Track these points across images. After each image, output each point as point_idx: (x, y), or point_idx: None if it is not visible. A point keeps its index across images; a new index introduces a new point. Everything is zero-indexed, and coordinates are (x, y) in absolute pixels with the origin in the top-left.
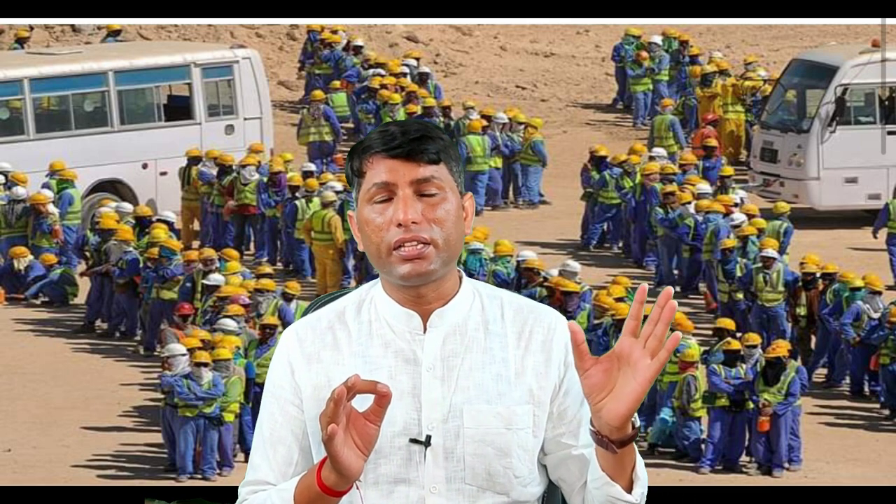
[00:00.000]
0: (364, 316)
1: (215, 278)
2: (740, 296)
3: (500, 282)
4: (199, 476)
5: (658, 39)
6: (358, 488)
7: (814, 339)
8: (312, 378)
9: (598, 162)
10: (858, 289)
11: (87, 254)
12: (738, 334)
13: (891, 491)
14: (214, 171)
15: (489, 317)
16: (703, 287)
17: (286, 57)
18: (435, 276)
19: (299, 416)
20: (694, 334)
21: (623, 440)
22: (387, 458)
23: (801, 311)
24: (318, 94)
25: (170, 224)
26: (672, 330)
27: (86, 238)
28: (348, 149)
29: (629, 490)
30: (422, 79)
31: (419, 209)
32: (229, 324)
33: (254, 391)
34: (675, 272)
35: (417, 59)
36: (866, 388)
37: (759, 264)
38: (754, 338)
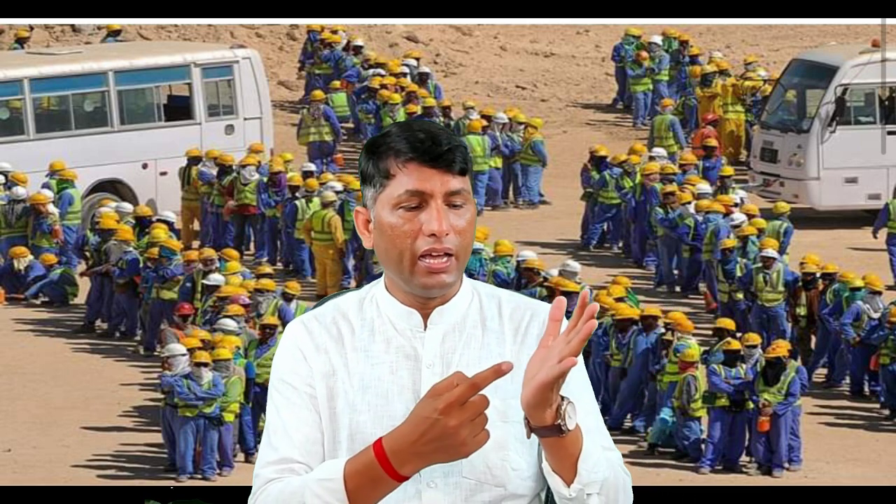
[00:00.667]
0: (366, 314)
1: (215, 278)
2: (740, 296)
3: (500, 282)
4: (199, 476)
5: (658, 39)
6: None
7: (814, 339)
8: (321, 366)
9: (598, 162)
10: (858, 289)
11: (87, 254)
12: (738, 334)
13: (891, 491)
14: (214, 171)
15: (487, 314)
16: (703, 287)
17: (286, 57)
18: (452, 287)
19: (315, 398)
20: (694, 334)
21: (536, 428)
22: None
23: (801, 311)
24: (318, 94)
25: (170, 224)
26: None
27: (86, 238)
28: (348, 149)
29: (570, 483)
30: (422, 79)
31: (450, 220)
32: (229, 324)
33: (254, 391)
34: (675, 272)
35: (417, 59)
36: (866, 388)
37: (759, 264)
38: (754, 338)
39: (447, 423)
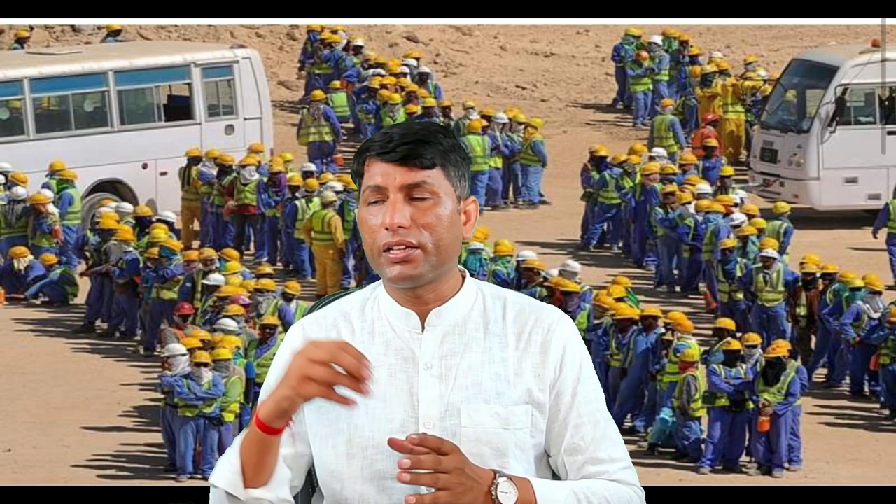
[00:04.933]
0: (367, 315)
1: (215, 278)
2: (740, 296)
3: (500, 282)
4: (199, 476)
5: (658, 39)
6: (289, 426)
7: (814, 339)
8: None
9: (598, 162)
10: (858, 289)
11: (87, 254)
12: (738, 334)
13: (891, 491)
14: (214, 171)
15: (490, 317)
16: (703, 287)
17: (286, 57)
18: (423, 279)
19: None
20: (694, 334)
21: None
22: (383, 455)
23: (801, 311)
24: (318, 94)
25: (170, 224)
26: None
27: (86, 238)
28: (348, 149)
29: None
30: (422, 79)
31: (408, 214)
32: (229, 324)
33: (254, 391)
34: (675, 272)
35: (417, 59)
36: (866, 388)
37: (759, 264)
38: (754, 338)
39: (297, 360)
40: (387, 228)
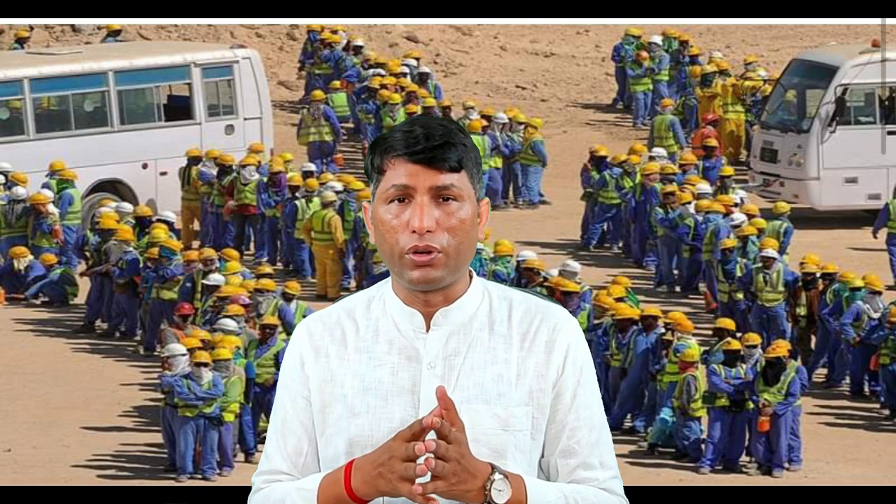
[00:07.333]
0: (373, 313)
1: (215, 278)
2: (740, 296)
3: (500, 282)
4: (199, 476)
5: (658, 39)
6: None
7: (814, 339)
8: (319, 372)
9: (598, 162)
10: (858, 289)
11: (87, 254)
12: (738, 334)
13: (891, 491)
14: (214, 171)
15: (496, 317)
16: (703, 287)
17: (286, 57)
18: (442, 283)
19: (308, 408)
20: (694, 334)
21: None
22: None
23: (801, 311)
24: (318, 94)
25: (170, 224)
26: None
27: (86, 238)
28: (348, 149)
29: None
30: (422, 79)
31: (435, 216)
32: (229, 324)
33: (254, 391)
34: (675, 272)
35: (417, 59)
36: (866, 388)
37: (759, 264)
38: (754, 338)
39: (392, 448)
40: (414, 231)
